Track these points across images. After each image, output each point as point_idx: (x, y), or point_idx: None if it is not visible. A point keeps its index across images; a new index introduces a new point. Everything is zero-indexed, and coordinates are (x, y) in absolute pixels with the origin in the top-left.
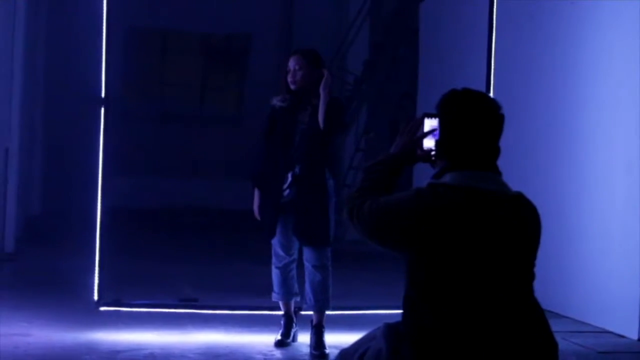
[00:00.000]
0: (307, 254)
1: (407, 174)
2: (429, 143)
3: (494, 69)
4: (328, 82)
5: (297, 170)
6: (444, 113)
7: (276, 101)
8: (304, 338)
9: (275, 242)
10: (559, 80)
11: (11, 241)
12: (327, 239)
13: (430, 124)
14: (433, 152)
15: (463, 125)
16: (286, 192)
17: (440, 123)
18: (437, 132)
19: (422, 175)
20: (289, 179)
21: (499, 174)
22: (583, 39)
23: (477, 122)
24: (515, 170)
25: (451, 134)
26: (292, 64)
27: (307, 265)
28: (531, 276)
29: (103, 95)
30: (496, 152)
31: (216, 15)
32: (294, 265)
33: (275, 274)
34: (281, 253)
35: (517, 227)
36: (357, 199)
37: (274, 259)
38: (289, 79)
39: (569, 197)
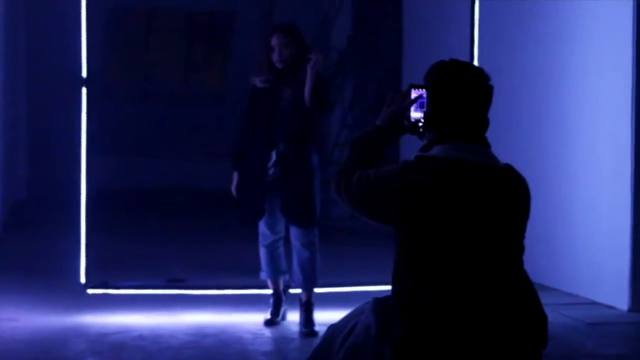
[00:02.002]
0: (295, 232)
1: (395, 146)
2: (416, 114)
3: (478, 41)
4: (318, 64)
5: (281, 147)
6: (432, 84)
7: (258, 82)
8: (293, 316)
9: (261, 222)
10: (545, 49)
11: None
12: (314, 218)
13: (416, 95)
14: (420, 124)
15: (452, 96)
16: (271, 171)
17: (428, 95)
18: (424, 103)
19: (410, 147)
20: (274, 157)
21: (488, 146)
22: (569, 8)
23: (465, 93)
24: (502, 142)
25: (439, 106)
26: (276, 41)
27: (295, 243)
28: (521, 249)
29: (84, 75)
30: (485, 123)
31: None
32: (280, 243)
33: (262, 252)
34: (267, 232)
35: (506, 200)
36: (345, 172)
37: (260, 238)
38: (275, 57)
39: (556, 169)
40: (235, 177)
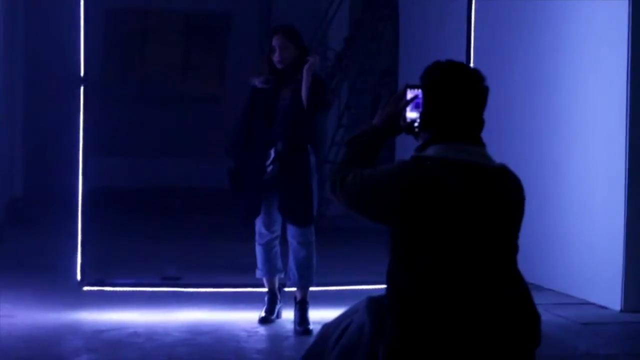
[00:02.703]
0: (292, 230)
1: (390, 146)
2: (411, 114)
3: (474, 43)
4: (314, 66)
5: (279, 146)
6: (427, 85)
7: (258, 82)
8: (288, 314)
9: (258, 220)
10: (539, 52)
11: None
12: (311, 217)
13: (412, 95)
14: (416, 124)
15: (447, 97)
16: (269, 168)
17: (424, 95)
18: (420, 104)
19: (405, 148)
20: (272, 155)
21: (483, 146)
22: (563, 12)
23: (461, 94)
24: (498, 142)
25: (435, 106)
26: (276, 42)
27: (292, 241)
28: (515, 248)
29: (82, 74)
30: (480, 124)
31: None
32: (277, 242)
33: (258, 250)
34: (263, 231)
35: (501, 200)
36: (340, 171)
37: (257, 236)
38: (275, 58)
39: (551, 169)
40: (230, 172)
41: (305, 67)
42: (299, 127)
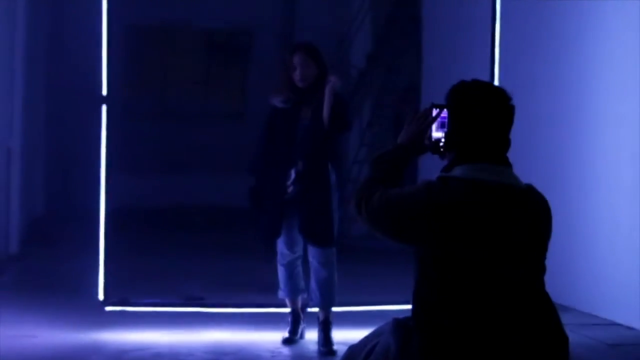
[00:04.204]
0: (313, 251)
1: (413, 165)
2: (437, 134)
3: (499, 60)
4: (336, 86)
5: (299, 166)
6: (453, 104)
7: (277, 102)
8: (311, 335)
9: (280, 241)
10: (565, 71)
11: (15, 242)
12: (332, 239)
13: (438, 114)
14: (441, 143)
15: (473, 117)
16: (290, 189)
17: (450, 115)
18: (446, 123)
19: (429, 167)
20: (292, 175)
21: (510, 166)
22: (588, 29)
23: (487, 113)
24: (522, 162)
25: (461, 126)
26: (298, 60)
27: (313, 262)
28: (542, 269)
29: (105, 93)
30: (506, 144)
31: (218, 12)
32: (299, 262)
33: (280, 271)
34: (286, 251)
35: (528, 221)
36: (365, 190)
37: (278, 257)
38: (296, 76)
39: (576, 189)
40: (251, 191)
41: (327, 87)
42: (319, 147)
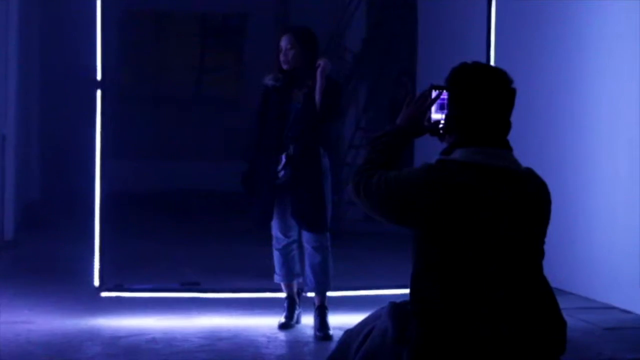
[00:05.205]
0: (306, 235)
1: (409, 147)
2: (436, 115)
3: (494, 44)
4: (326, 69)
5: (291, 150)
6: (454, 87)
7: (268, 80)
8: (307, 319)
9: (274, 225)
10: (562, 55)
11: (10, 228)
12: (325, 224)
13: (437, 95)
14: (441, 125)
15: (474, 99)
16: (281, 174)
17: (451, 97)
18: (445, 105)
19: (425, 149)
20: (283, 159)
21: (510, 149)
22: (586, 15)
23: (488, 96)
24: (520, 145)
25: (462, 109)
26: (283, 42)
27: (307, 246)
28: (541, 253)
29: (99, 78)
30: (507, 127)
31: None
32: (294, 247)
33: (275, 255)
34: (279, 235)
35: (527, 204)
36: (363, 172)
37: (273, 241)
38: (281, 57)
39: (572, 173)
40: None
41: (318, 71)
42: (310, 132)
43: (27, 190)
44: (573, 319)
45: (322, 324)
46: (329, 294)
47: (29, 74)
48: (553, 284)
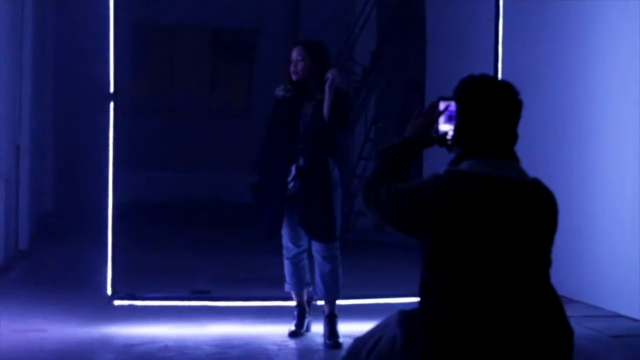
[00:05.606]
0: (316, 245)
1: (417, 159)
2: (444, 127)
3: (502, 56)
4: (335, 81)
5: (300, 162)
6: (462, 99)
7: (279, 91)
8: (317, 328)
9: (284, 235)
10: (568, 66)
11: (25, 238)
12: (334, 233)
13: (445, 107)
14: (449, 136)
15: (482, 111)
16: (290, 185)
17: (458, 109)
18: (453, 116)
19: (433, 161)
20: (293, 171)
21: (517, 160)
22: (591, 25)
23: (496, 108)
24: (525, 156)
25: (469, 120)
26: (294, 54)
27: (317, 256)
28: (548, 263)
29: (112, 90)
30: (514, 138)
31: (224, 10)
32: (304, 256)
33: (286, 264)
34: (290, 245)
35: (535, 214)
36: (373, 183)
37: (284, 251)
38: (291, 69)
39: (579, 182)
40: (253, 188)
41: (327, 84)
42: (320, 143)
43: (41, 201)
44: (580, 327)
45: (331, 332)
46: (339, 302)
47: (43, 86)
48: (560, 292)
